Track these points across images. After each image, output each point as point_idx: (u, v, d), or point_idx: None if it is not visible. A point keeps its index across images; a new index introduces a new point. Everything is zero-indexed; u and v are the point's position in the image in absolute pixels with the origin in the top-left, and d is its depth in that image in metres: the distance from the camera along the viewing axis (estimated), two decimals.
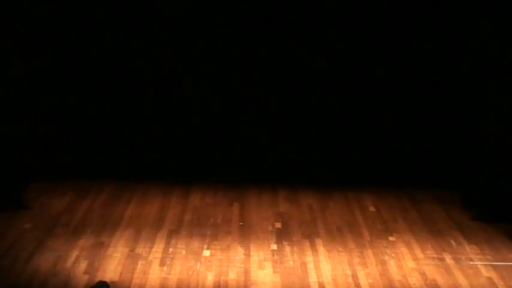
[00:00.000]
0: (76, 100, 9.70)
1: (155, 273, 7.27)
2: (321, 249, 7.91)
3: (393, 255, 7.84)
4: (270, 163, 9.94)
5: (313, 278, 7.27)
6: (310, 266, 7.53)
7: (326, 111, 9.84)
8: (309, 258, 7.70)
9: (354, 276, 7.34)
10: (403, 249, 7.99)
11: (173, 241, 8.01)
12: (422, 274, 7.42)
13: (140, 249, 7.78)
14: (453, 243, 8.20)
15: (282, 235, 8.28)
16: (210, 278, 7.22)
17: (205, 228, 8.40)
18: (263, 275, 7.32)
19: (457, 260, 7.77)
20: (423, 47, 9.60)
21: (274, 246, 7.98)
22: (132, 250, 7.75)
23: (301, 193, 9.56)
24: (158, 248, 7.82)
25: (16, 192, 8.92)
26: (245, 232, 8.34)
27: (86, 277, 7.12)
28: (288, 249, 7.92)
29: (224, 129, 9.89)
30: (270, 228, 8.48)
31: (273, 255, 7.77)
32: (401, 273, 7.43)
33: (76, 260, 7.47)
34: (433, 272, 7.46)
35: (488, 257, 7.85)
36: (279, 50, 9.68)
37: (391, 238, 8.28)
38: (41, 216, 8.55)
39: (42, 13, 9.34)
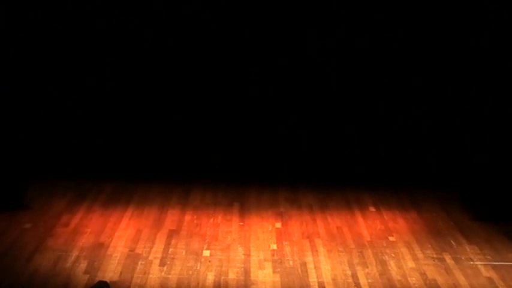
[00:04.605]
0: (76, 100, 9.70)
1: (155, 273, 7.27)
2: (321, 249, 7.91)
3: (393, 255, 7.84)
4: (270, 163, 9.94)
5: (313, 278, 7.26)
6: (310, 266, 7.52)
7: (326, 111, 9.83)
8: (309, 258, 7.70)
9: (354, 276, 7.34)
10: (403, 249, 7.98)
11: (173, 241, 8.01)
12: (422, 274, 7.42)
13: (140, 249, 7.78)
14: (453, 243, 8.19)
15: (282, 235, 8.28)
16: (210, 278, 7.22)
17: (205, 228, 8.41)
18: (263, 275, 7.32)
19: (457, 260, 7.76)
20: (423, 48, 9.60)
21: (274, 246, 7.97)
22: (132, 250, 7.76)
23: (301, 193, 9.55)
24: (158, 248, 7.82)
25: (16, 192, 8.91)
26: (245, 232, 8.34)
27: (86, 277, 7.12)
28: (288, 249, 7.91)
29: (224, 129, 9.89)
30: (270, 228, 8.48)
31: (273, 255, 7.76)
32: (401, 273, 7.43)
33: (76, 260, 7.47)
34: (433, 272, 7.46)
35: (488, 257, 7.84)
36: (279, 50, 9.68)
37: (391, 238, 8.27)
38: (41, 216, 8.54)
39: (41, 13, 9.36)
